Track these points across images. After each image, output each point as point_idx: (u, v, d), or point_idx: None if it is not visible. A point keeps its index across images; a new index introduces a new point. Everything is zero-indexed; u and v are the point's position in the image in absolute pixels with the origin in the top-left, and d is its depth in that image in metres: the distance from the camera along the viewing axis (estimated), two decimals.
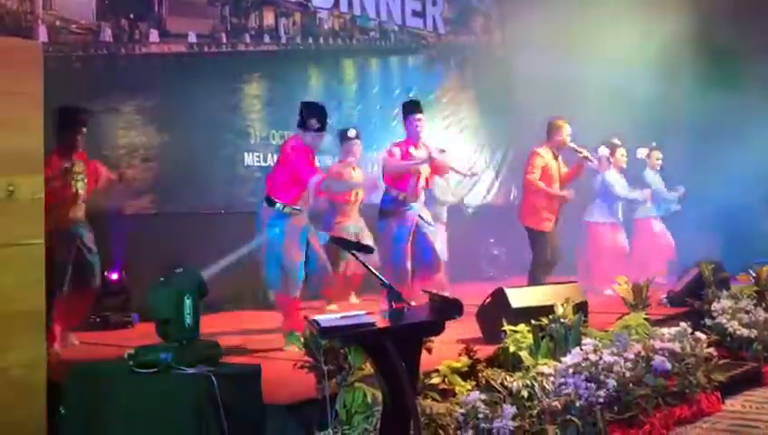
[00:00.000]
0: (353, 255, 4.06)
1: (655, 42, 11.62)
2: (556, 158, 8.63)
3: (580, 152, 8.60)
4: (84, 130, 6.63)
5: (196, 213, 8.34)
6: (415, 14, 11.74)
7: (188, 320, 4.50)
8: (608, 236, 10.20)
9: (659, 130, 11.19)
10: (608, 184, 10.17)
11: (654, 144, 10.87)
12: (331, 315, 3.80)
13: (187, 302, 4.48)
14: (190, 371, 4.39)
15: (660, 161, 10.92)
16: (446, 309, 3.79)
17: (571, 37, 11.63)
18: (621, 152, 10.34)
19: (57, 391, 4.71)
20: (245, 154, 9.26)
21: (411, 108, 7.71)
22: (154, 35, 8.50)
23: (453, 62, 12.35)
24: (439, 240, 8.81)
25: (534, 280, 8.30)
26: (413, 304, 3.99)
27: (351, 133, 8.57)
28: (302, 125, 6.39)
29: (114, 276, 7.70)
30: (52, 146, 5.18)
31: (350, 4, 10.72)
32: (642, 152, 10.71)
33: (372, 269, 4.10)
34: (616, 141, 10.36)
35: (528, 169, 8.57)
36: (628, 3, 11.44)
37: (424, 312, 3.94)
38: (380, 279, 3.94)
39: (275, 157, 9.41)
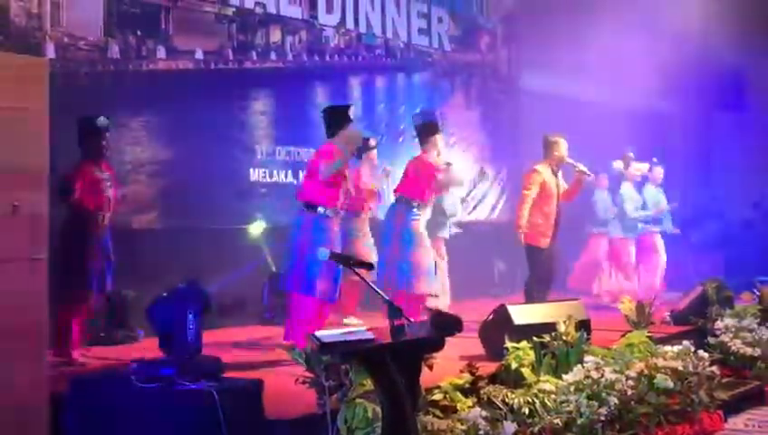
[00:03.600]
0: (354, 271, 4.08)
1: (658, 61, 11.67)
2: (555, 174, 8.60)
3: (577, 166, 8.60)
4: (107, 137, 6.79)
5: (201, 228, 8.37)
6: (421, 31, 11.79)
7: (191, 335, 4.53)
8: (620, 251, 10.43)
9: (662, 148, 11.22)
10: (621, 199, 10.45)
11: (655, 160, 10.89)
12: (332, 331, 3.82)
13: (190, 317, 4.51)
14: (192, 386, 4.41)
15: (661, 177, 10.93)
16: (446, 326, 3.81)
17: (577, 56, 11.68)
18: (636, 166, 10.46)
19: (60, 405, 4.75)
20: (251, 170, 9.30)
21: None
22: (161, 52, 8.55)
23: (458, 80, 12.39)
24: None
25: (530, 297, 8.26)
26: (413, 320, 4.01)
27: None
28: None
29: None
30: (58, 158, 5.21)
31: (356, 22, 10.78)
32: (643, 168, 10.75)
33: (373, 285, 4.12)
34: (630, 154, 10.43)
35: (525, 185, 8.58)
36: (633, 22, 11.51)
37: (424, 328, 3.95)
38: (381, 295, 3.96)
39: (281, 173, 9.56)
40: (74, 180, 6.58)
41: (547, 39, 11.91)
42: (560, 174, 8.70)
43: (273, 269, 9.13)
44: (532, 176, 8.51)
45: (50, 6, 7.62)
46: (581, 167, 8.66)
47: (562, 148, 8.55)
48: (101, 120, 6.74)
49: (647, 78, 11.79)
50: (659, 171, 10.94)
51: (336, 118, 6.85)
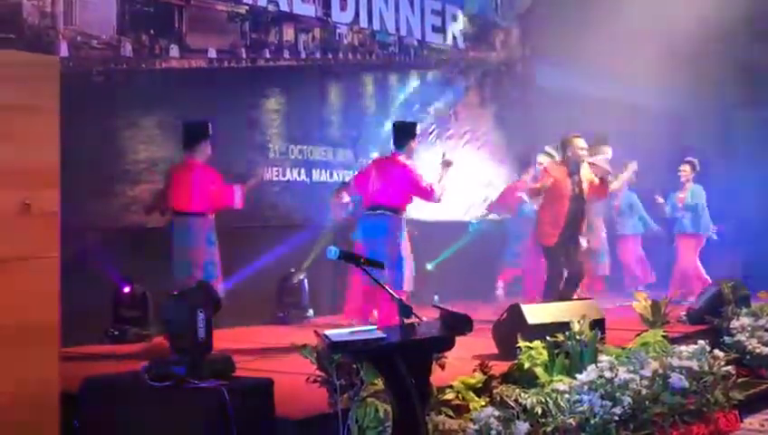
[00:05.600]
0: (364, 270, 4.06)
1: (676, 58, 11.59)
2: (571, 175, 8.48)
3: (596, 163, 8.58)
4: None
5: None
6: (435, 29, 11.76)
7: (201, 334, 4.52)
8: None
9: (682, 147, 11.14)
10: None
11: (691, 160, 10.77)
12: (342, 330, 3.80)
13: (200, 316, 4.50)
14: (203, 384, 4.41)
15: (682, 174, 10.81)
16: (456, 325, 3.78)
17: (593, 53, 11.60)
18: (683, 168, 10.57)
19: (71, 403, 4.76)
20: (264, 169, 9.29)
21: None
22: (174, 51, 8.57)
23: (473, 78, 12.34)
24: None
25: (549, 297, 8.20)
26: (425, 319, 3.98)
27: None
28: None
29: (127, 289, 7.77)
30: (70, 157, 5.21)
31: (370, 20, 10.76)
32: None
33: (384, 285, 4.09)
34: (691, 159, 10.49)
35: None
36: (651, 19, 11.42)
37: (434, 327, 3.93)
38: (391, 295, 3.94)
39: (294, 171, 9.56)
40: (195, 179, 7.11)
41: (562, 37, 11.84)
42: (582, 174, 8.57)
43: (292, 270, 9.16)
44: (541, 173, 8.56)
45: (63, 5, 7.65)
46: (600, 163, 8.62)
47: (576, 147, 8.45)
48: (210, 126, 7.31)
49: (663, 75, 11.70)
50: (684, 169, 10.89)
51: (408, 131, 7.71)
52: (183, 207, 7.19)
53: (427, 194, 7.55)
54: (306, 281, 9.18)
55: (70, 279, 4.98)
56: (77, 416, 4.76)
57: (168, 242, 7.25)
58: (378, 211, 7.54)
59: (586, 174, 8.54)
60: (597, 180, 8.56)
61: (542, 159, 9.16)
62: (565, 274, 8.48)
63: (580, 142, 8.49)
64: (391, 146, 7.81)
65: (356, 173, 8.05)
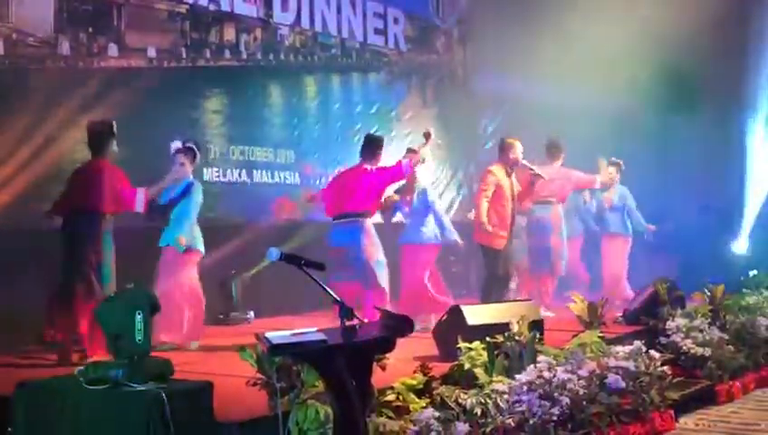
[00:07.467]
0: (305, 272, 4.04)
1: (613, 62, 11.75)
2: (509, 175, 8.66)
3: (532, 169, 8.70)
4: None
5: (153, 228, 8.25)
6: (376, 31, 11.79)
7: (139, 336, 4.46)
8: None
9: (617, 150, 11.27)
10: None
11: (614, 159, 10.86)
12: (282, 332, 3.78)
13: (138, 317, 4.45)
14: (141, 387, 4.35)
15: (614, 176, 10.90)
16: (397, 326, 3.79)
17: (532, 56, 11.72)
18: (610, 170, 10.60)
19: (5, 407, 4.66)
20: (204, 169, 9.22)
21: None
22: (113, 49, 8.46)
23: (414, 80, 12.40)
24: None
25: (487, 297, 8.29)
26: (366, 321, 3.97)
27: None
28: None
29: None
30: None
31: (312, 21, 10.74)
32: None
33: (325, 286, 4.08)
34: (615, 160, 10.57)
35: (481, 185, 8.64)
36: (586, 22, 11.57)
37: (375, 329, 3.93)
38: (332, 296, 3.92)
39: (235, 172, 9.51)
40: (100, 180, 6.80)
41: (502, 40, 11.95)
42: (513, 176, 8.75)
43: (233, 271, 9.09)
44: (486, 176, 8.60)
45: None
46: (536, 170, 8.73)
47: (517, 150, 8.61)
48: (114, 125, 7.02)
49: (601, 79, 11.85)
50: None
51: (375, 144, 8.23)
52: (82, 208, 6.82)
53: (398, 172, 8.04)
54: (235, 284, 9.14)
55: (4, 283, 4.90)
56: (10, 421, 4.66)
57: None
58: (349, 219, 7.90)
59: (514, 176, 8.72)
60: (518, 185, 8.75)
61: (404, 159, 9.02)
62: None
63: (517, 144, 8.62)
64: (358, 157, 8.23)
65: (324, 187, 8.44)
